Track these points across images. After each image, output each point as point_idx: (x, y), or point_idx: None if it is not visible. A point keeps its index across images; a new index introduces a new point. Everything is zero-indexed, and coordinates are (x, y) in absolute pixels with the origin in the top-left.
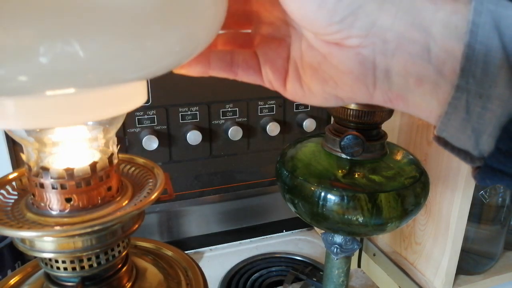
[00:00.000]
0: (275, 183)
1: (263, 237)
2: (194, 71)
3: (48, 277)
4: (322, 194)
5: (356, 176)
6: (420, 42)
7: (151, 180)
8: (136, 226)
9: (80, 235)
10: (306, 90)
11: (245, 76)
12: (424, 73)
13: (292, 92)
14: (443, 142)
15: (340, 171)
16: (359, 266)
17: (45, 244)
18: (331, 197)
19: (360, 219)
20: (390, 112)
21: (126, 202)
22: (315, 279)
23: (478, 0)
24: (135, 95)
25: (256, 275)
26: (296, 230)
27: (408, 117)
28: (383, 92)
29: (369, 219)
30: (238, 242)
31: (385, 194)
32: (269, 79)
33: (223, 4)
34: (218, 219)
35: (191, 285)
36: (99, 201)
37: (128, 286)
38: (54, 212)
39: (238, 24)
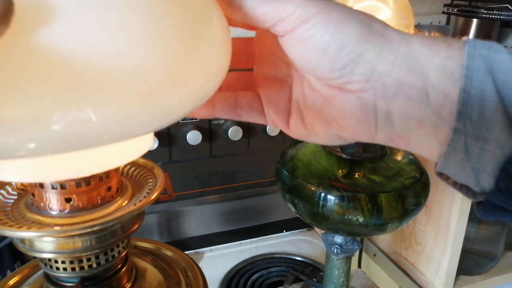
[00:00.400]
0: (275, 183)
1: (263, 237)
2: (199, 115)
3: (48, 278)
4: (322, 194)
5: (356, 176)
6: (418, 87)
7: (151, 180)
8: (136, 226)
9: (79, 235)
10: (310, 130)
11: (248, 117)
12: (424, 116)
13: (296, 131)
14: (445, 177)
15: (340, 171)
16: (359, 266)
17: (45, 244)
18: (331, 197)
19: (360, 219)
20: None
21: (126, 202)
22: (315, 280)
23: (471, 45)
24: (143, 142)
25: (256, 275)
26: (296, 230)
27: None
28: (385, 133)
29: (369, 219)
30: (238, 242)
31: (385, 194)
32: (272, 120)
33: (228, 53)
34: (218, 219)
35: (191, 286)
36: (99, 201)
37: (128, 286)
38: (53, 212)
39: (240, 63)
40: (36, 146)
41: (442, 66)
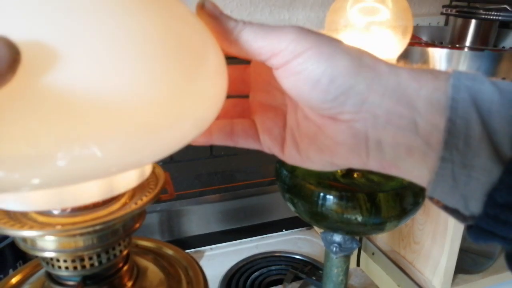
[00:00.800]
0: (275, 182)
1: (263, 236)
2: (197, 142)
3: (49, 276)
4: (321, 193)
5: (355, 175)
6: (407, 117)
7: (151, 180)
8: (137, 225)
9: (81, 234)
10: (304, 157)
11: (245, 144)
12: (413, 144)
13: (290, 158)
14: (436, 201)
15: (339, 170)
16: (358, 265)
17: (47, 243)
18: (330, 196)
19: (359, 219)
20: None
21: (127, 201)
22: (314, 278)
23: (455, 76)
24: (144, 169)
25: (256, 274)
26: (296, 229)
27: None
28: (376, 161)
29: (368, 219)
30: (238, 241)
31: (383, 193)
32: (268, 146)
33: (225, 83)
34: (218, 218)
35: (191, 284)
36: (101, 201)
37: (129, 285)
38: (55, 212)
39: (236, 90)
40: (40, 182)
41: (429, 97)
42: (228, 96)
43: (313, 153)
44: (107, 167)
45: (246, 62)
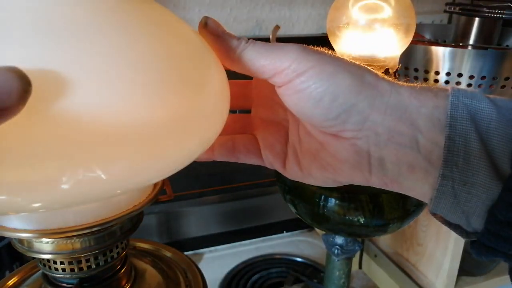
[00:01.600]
0: (275, 183)
1: (263, 238)
2: (199, 159)
3: (47, 278)
4: (323, 195)
5: None
6: (408, 135)
7: None
8: (135, 227)
9: (78, 236)
10: (306, 173)
11: (246, 160)
12: (415, 162)
13: (292, 173)
14: (439, 217)
15: None
16: (360, 267)
17: (43, 245)
18: (331, 198)
19: (361, 220)
20: None
21: None
22: (315, 281)
23: (454, 94)
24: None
25: (256, 276)
26: (297, 231)
27: None
28: (378, 178)
29: (370, 220)
30: (238, 243)
31: (386, 194)
32: (269, 161)
33: (227, 102)
34: (217, 220)
35: (190, 287)
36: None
37: (127, 287)
38: None
39: (238, 106)
40: (43, 205)
41: (429, 115)
42: (230, 111)
43: (315, 169)
44: (112, 189)
45: (248, 77)
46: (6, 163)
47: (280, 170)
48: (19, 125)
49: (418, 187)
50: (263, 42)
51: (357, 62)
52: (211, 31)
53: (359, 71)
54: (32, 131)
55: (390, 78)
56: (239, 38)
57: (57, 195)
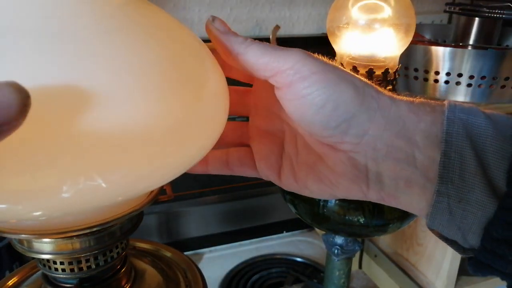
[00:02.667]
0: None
1: (263, 238)
2: (195, 171)
3: (46, 278)
4: None
5: None
6: (406, 150)
7: None
8: (135, 227)
9: (78, 236)
10: (302, 185)
11: (241, 172)
12: (412, 177)
13: (287, 185)
14: (436, 232)
15: None
16: (360, 267)
17: (43, 245)
18: None
19: (362, 220)
20: None
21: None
22: (315, 281)
23: (451, 109)
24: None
25: (256, 276)
26: (297, 231)
27: None
28: (376, 192)
29: (370, 220)
30: (238, 243)
31: None
32: (264, 174)
33: (226, 111)
34: (217, 220)
35: (190, 287)
36: None
37: (127, 287)
38: None
39: (236, 112)
40: (43, 214)
41: (427, 131)
42: (229, 118)
43: (312, 182)
44: (112, 197)
45: (248, 85)
46: (6, 171)
47: (275, 181)
48: (19, 134)
49: (415, 202)
50: (267, 43)
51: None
52: (218, 27)
53: (361, 83)
54: (33, 140)
55: (389, 92)
56: (244, 37)
57: (57, 203)
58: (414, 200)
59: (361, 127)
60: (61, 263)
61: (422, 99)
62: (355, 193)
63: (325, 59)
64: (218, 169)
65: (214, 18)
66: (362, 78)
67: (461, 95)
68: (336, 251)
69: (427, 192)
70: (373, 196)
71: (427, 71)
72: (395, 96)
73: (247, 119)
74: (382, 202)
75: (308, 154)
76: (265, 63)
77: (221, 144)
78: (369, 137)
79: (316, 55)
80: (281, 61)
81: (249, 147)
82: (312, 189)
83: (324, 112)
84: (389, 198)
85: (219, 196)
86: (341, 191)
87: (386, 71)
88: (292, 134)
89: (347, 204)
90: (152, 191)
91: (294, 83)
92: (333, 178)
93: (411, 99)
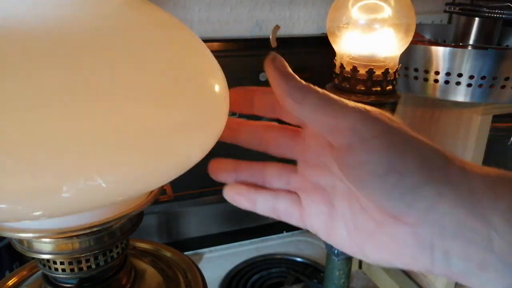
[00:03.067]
0: None
1: (263, 238)
2: (241, 206)
3: (46, 278)
4: None
5: None
6: (481, 231)
7: None
8: (135, 227)
9: (78, 236)
10: (357, 251)
11: (288, 221)
12: (487, 261)
13: (342, 248)
14: None
15: None
16: (360, 267)
17: (43, 245)
18: None
19: None
20: (392, 109)
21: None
22: (315, 281)
23: None
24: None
25: (256, 276)
26: (297, 231)
27: (410, 111)
28: (443, 270)
29: None
30: (238, 243)
31: None
32: (314, 230)
33: (227, 105)
34: (217, 220)
35: (190, 287)
36: None
37: (127, 287)
38: None
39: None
40: (43, 213)
41: (507, 211)
42: (232, 115)
43: (370, 249)
44: (112, 197)
45: None
46: (6, 171)
47: (326, 240)
48: (19, 133)
49: (491, 286)
50: (324, 91)
51: (425, 139)
52: (278, 67)
53: (428, 150)
54: (33, 140)
55: (460, 160)
56: (304, 83)
57: (58, 203)
58: (490, 284)
59: (427, 200)
60: (61, 263)
61: (498, 171)
62: (419, 267)
63: (387, 115)
64: (265, 213)
65: (275, 57)
66: (429, 142)
67: (461, 95)
68: (336, 251)
69: (507, 277)
70: (439, 272)
71: (427, 71)
72: (467, 165)
73: (269, 120)
74: (449, 279)
75: (366, 220)
76: (321, 118)
77: (268, 190)
78: (436, 212)
79: (377, 110)
80: (340, 117)
81: (297, 195)
82: (370, 256)
83: (387, 183)
84: (457, 277)
85: (219, 196)
86: (401, 262)
87: (386, 71)
88: (346, 194)
89: None
90: (152, 191)
91: (353, 147)
92: (393, 250)
93: (486, 170)
